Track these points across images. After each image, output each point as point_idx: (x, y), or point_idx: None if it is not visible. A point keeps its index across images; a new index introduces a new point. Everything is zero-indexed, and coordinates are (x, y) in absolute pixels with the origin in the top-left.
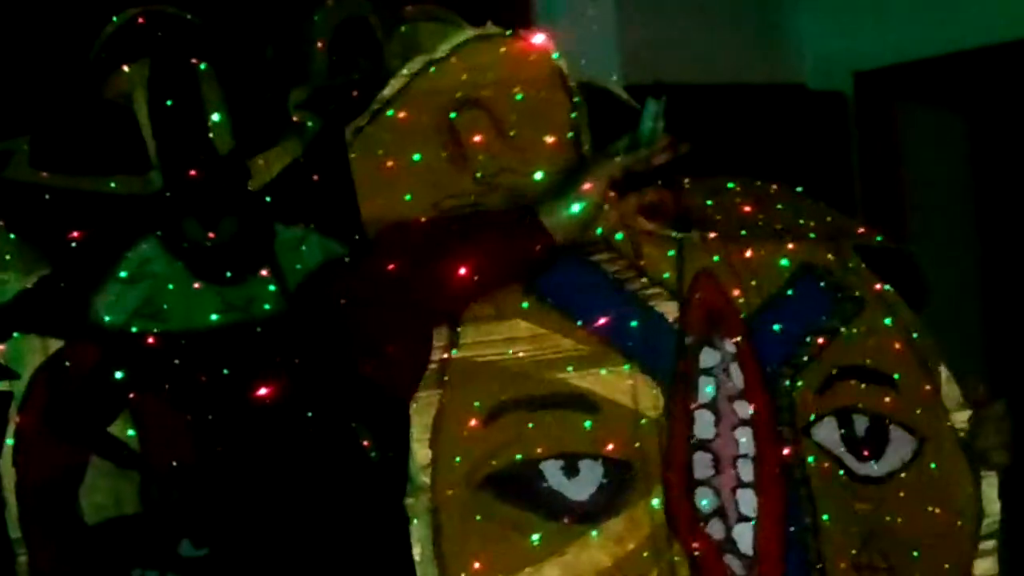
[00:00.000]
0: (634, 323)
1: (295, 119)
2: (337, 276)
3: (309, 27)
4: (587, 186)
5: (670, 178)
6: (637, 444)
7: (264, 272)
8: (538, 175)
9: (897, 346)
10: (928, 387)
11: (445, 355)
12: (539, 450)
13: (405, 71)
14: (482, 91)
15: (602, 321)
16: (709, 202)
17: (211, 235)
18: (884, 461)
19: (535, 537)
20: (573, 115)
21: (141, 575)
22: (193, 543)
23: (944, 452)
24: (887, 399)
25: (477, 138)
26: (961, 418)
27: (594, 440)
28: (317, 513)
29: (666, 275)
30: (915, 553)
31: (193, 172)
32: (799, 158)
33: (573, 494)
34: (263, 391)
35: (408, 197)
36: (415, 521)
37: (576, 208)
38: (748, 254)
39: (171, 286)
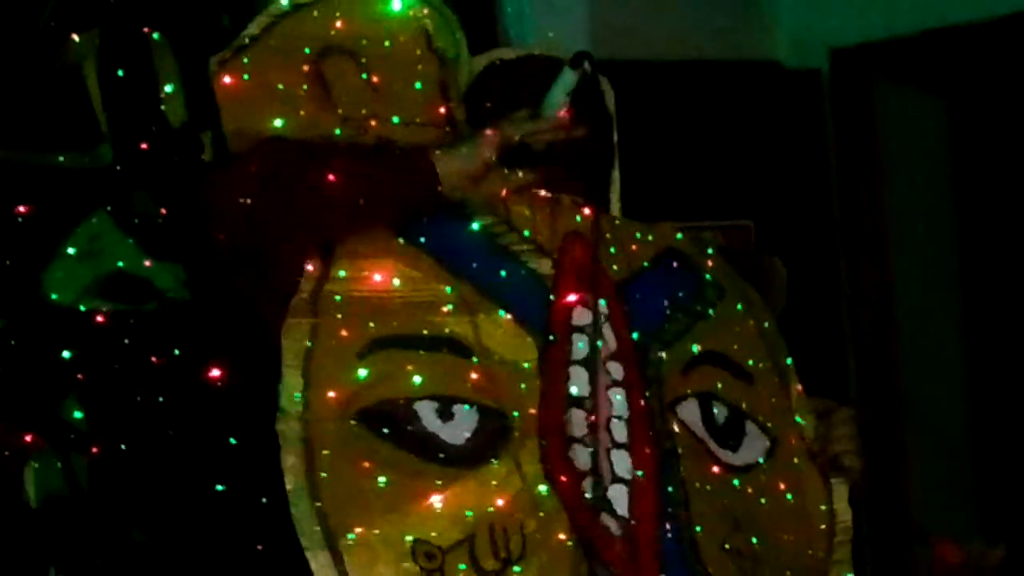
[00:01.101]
0: (505, 273)
1: None
2: (212, 179)
3: None
4: (481, 143)
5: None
6: (512, 394)
7: None
8: (418, 138)
9: (755, 346)
10: (780, 391)
11: (317, 285)
12: (414, 389)
13: (269, 11)
14: (348, 41)
15: (477, 269)
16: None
17: (163, 211)
18: (742, 452)
19: (409, 476)
20: (439, 73)
21: (86, 559)
22: (140, 528)
23: (794, 456)
24: (744, 394)
25: (346, 84)
26: (809, 427)
27: (469, 385)
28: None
29: (537, 233)
30: (775, 549)
31: (144, 145)
32: (773, 138)
33: (448, 436)
34: (215, 372)
35: (279, 124)
36: (287, 449)
37: (467, 162)
38: (617, 224)
39: (122, 263)
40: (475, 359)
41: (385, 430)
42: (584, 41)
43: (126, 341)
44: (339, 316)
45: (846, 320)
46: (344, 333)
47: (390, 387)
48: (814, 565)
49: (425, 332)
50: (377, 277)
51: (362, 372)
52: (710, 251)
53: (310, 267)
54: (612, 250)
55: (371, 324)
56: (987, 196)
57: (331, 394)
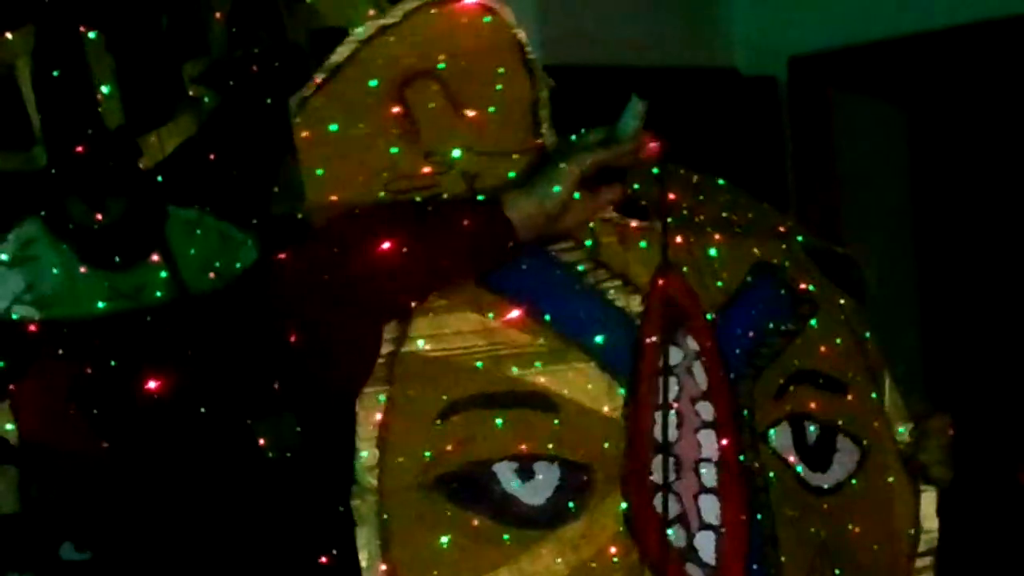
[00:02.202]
0: (594, 316)
1: (191, 94)
2: (282, 264)
3: None
4: (557, 179)
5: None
6: (596, 445)
7: (155, 257)
8: (508, 168)
9: (849, 351)
10: (874, 396)
11: (394, 349)
12: (493, 451)
13: (353, 37)
14: (436, 61)
15: (560, 314)
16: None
17: (98, 216)
18: (832, 471)
19: (488, 544)
20: (532, 92)
21: None
22: (75, 546)
23: (886, 464)
24: (837, 406)
25: (431, 113)
26: (903, 430)
27: (551, 441)
28: (205, 515)
29: (627, 267)
30: (860, 568)
31: (80, 148)
32: (729, 146)
33: (528, 498)
34: (152, 384)
35: (357, 174)
36: (363, 526)
37: (544, 203)
38: (709, 248)
39: (55, 270)
40: (557, 412)
41: (463, 496)
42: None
43: (60, 351)
44: (415, 380)
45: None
46: (422, 397)
47: (469, 450)
48: None
49: (505, 388)
50: (455, 332)
51: (440, 437)
52: (802, 264)
53: (388, 332)
54: (702, 277)
55: (450, 385)
56: (946, 208)
57: (408, 463)
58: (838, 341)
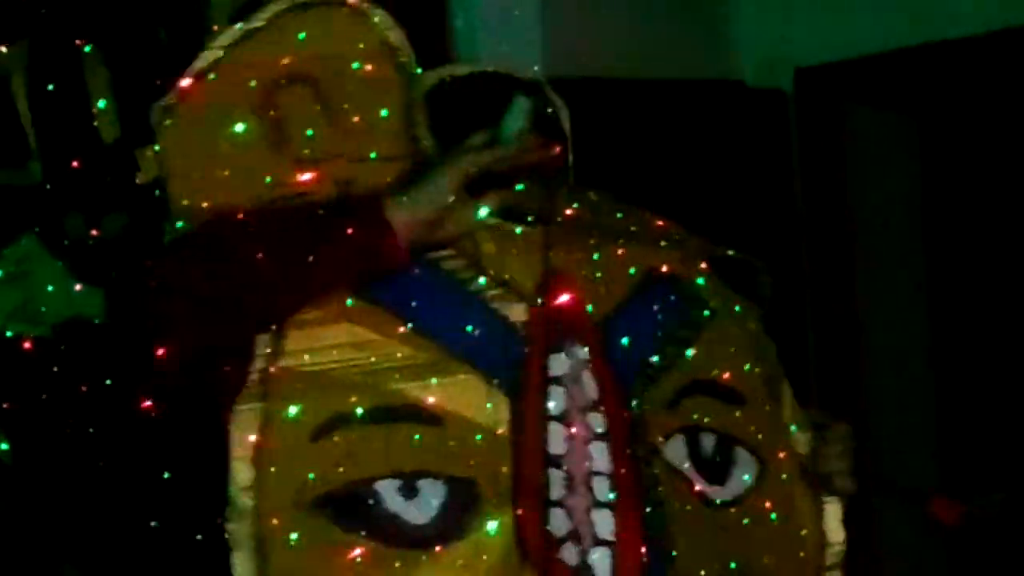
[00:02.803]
0: (475, 327)
1: None
2: (152, 271)
3: (206, 8)
4: (438, 183)
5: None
6: (482, 460)
7: None
8: (383, 174)
9: (747, 362)
10: (772, 407)
11: (268, 364)
12: (373, 468)
13: (219, 43)
14: (305, 66)
15: (441, 325)
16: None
17: (95, 232)
18: (730, 484)
19: (372, 566)
20: (405, 96)
21: None
22: (74, 566)
23: (786, 476)
24: (734, 418)
25: (301, 120)
26: (802, 441)
27: (434, 457)
28: (208, 533)
29: (510, 275)
30: None
31: (76, 163)
32: (736, 161)
33: (412, 517)
34: (148, 403)
35: (227, 181)
36: (238, 549)
37: (425, 207)
38: (595, 256)
39: (51, 287)
40: (441, 426)
41: (344, 516)
42: (539, 57)
43: (55, 369)
44: (290, 396)
45: (812, 348)
46: (296, 415)
47: (349, 469)
48: None
49: (385, 403)
50: (331, 346)
51: (317, 455)
52: (699, 273)
53: (261, 346)
54: (591, 283)
55: (325, 401)
56: (958, 221)
57: (285, 483)
58: (734, 351)
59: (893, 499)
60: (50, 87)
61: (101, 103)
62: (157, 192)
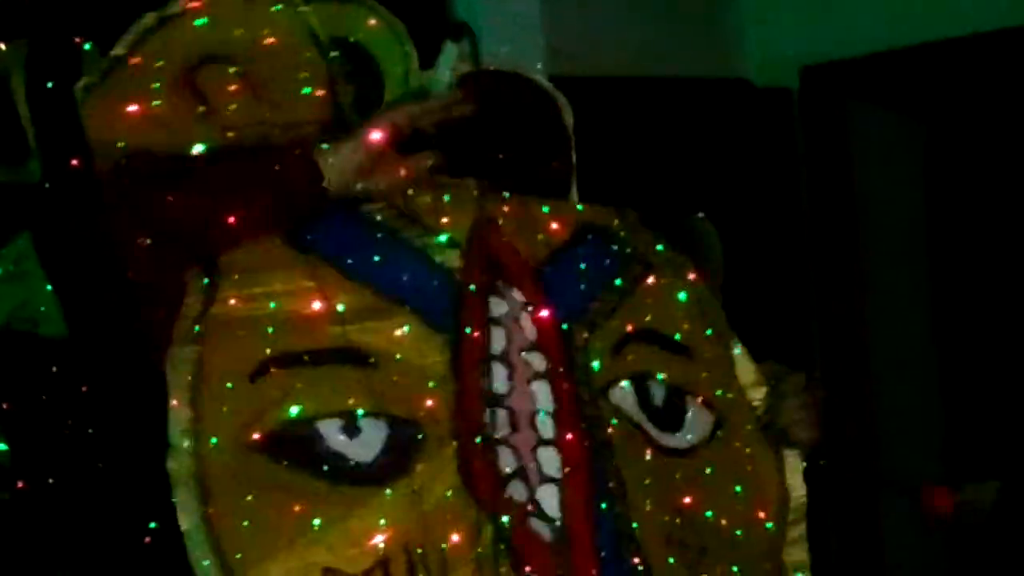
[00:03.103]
0: (410, 271)
1: None
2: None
3: None
4: (368, 129)
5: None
6: (423, 401)
7: None
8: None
9: (691, 317)
10: (723, 361)
11: (203, 308)
12: (314, 408)
13: (136, 28)
14: (227, 47)
15: (375, 270)
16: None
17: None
18: (683, 433)
19: (317, 503)
20: (323, 65)
21: None
22: (71, 573)
23: (742, 431)
24: (683, 370)
25: (225, 94)
26: (757, 395)
27: (375, 397)
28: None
29: (443, 223)
30: (724, 536)
31: (76, 162)
32: (742, 160)
33: (356, 455)
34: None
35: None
36: (179, 489)
37: (354, 152)
38: (529, 207)
39: (49, 287)
40: (380, 368)
41: (286, 455)
42: (541, 56)
43: (54, 369)
44: (226, 339)
45: (817, 349)
46: (233, 357)
47: (288, 409)
48: (767, 547)
49: (321, 345)
50: (265, 292)
51: (255, 396)
52: (635, 229)
53: (193, 289)
54: (525, 232)
55: (262, 343)
56: (963, 220)
57: (223, 424)
58: (675, 304)
59: (891, 491)
60: (49, 85)
61: None
62: None
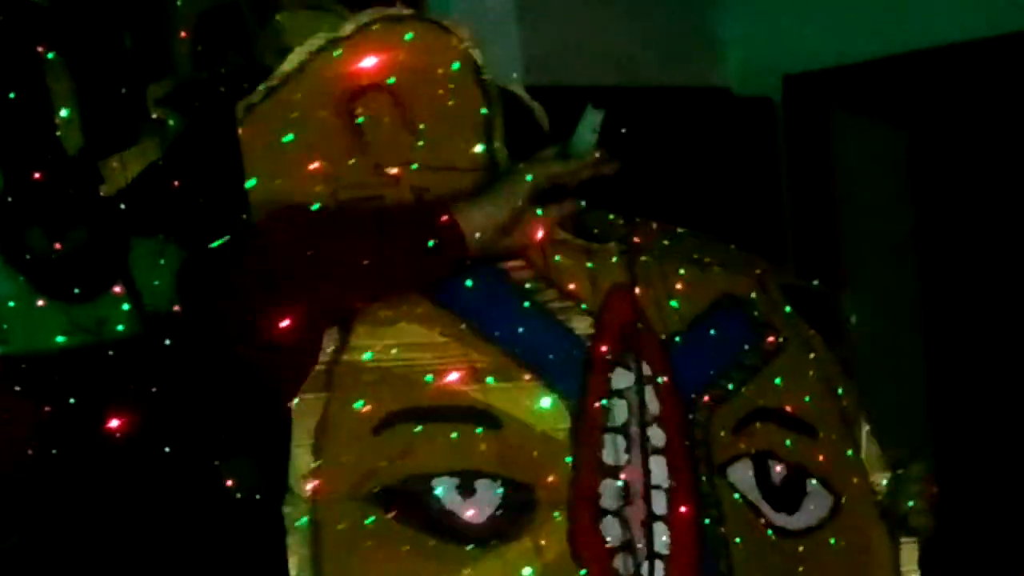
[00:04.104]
0: (542, 336)
1: (155, 116)
2: (219, 259)
3: (172, 13)
4: (511, 190)
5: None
6: (541, 466)
7: (117, 289)
8: (458, 183)
9: (819, 395)
10: (847, 442)
11: (334, 356)
12: (432, 465)
13: (306, 47)
14: (388, 76)
15: (507, 332)
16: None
17: (57, 246)
18: (800, 515)
19: (425, 560)
20: (485, 111)
21: None
22: None
23: (862, 514)
24: (806, 450)
25: (380, 126)
26: (880, 480)
27: (493, 458)
28: (174, 558)
29: (578, 288)
30: None
31: (38, 174)
32: (722, 171)
33: (468, 515)
34: (115, 423)
35: (303, 181)
36: (293, 534)
37: (496, 213)
38: (669, 275)
39: (12, 303)
40: (501, 429)
41: (400, 510)
42: (517, 64)
43: (16, 388)
44: (355, 389)
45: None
46: (360, 408)
47: (408, 464)
48: None
49: (447, 403)
50: (397, 345)
51: (378, 449)
52: (775, 302)
53: (327, 338)
54: (661, 301)
55: (389, 396)
56: (949, 229)
57: (343, 474)
58: (804, 382)
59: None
60: (11, 95)
61: (64, 112)
62: (122, 205)
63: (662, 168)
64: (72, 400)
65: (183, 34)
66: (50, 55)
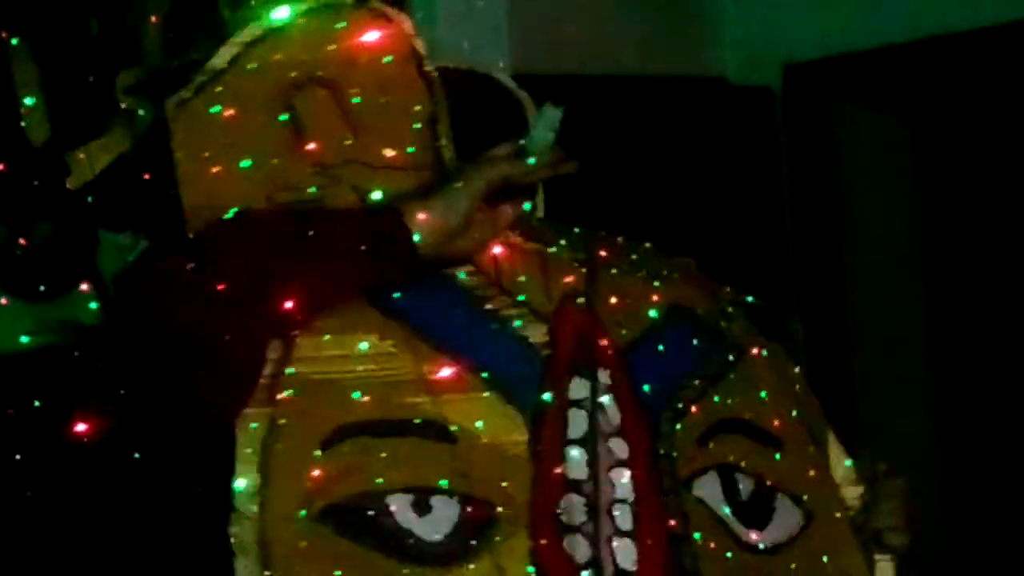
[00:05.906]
0: (495, 345)
1: (123, 106)
2: (156, 271)
3: None
4: (462, 191)
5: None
6: (499, 481)
7: (84, 287)
8: (402, 183)
9: (784, 407)
10: (815, 456)
11: (278, 370)
12: (385, 481)
13: (239, 39)
14: (327, 68)
15: (459, 341)
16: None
17: (22, 241)
18: (770, 531)
19: None
20: (426, 106)
21: None
22: None
23: (833, 531)
24: (773, 463)
25: (319, 122)
26: (852, 494)
27: (449, 474)
28: (144, 565)
29: (531, 295)
30: None
31: (1, 166)
32: (720, 162)
33: (424, 533)
34: (81, 427)
35: (239, 181)
36: (240, 556)
37: (447, 215)
38: (622, 285)
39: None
40: (456, 444)
41: (352, 528)
42: (504, 51)
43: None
44: (300, 403)
45: (801, 351)
46: (305, 422)
47: (359, 480)
48: None
49: (398, 416)
50: (344, 356)
51: (327, 465)
52: (729, 314)
53: (271, 350)
54: (617, 308)
55: (336, 410)
56: (953, 220)
57: (291, 491)
58: (766, 394)
59: None
60: None
61: (29, 100)
62: (89, 198)
63: (659, 159)
64: (37, 403)
65: (154, 20)
66: (14, 40)
